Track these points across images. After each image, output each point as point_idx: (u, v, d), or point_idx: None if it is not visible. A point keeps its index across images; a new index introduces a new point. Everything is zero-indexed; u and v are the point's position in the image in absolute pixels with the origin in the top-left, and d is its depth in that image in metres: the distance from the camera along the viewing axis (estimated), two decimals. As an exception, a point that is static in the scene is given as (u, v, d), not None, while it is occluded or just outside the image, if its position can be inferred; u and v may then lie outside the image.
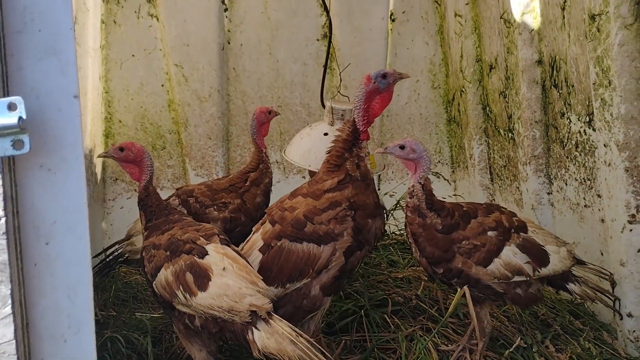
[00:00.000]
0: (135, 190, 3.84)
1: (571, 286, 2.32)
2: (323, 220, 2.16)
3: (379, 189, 3.99)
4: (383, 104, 2.24)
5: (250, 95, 3.87)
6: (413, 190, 2.21)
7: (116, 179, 3.81)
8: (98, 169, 3.78)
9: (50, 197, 0.81)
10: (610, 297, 2.44)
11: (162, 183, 3.85)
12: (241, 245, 2.33)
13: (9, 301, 0.77)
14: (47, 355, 0.82)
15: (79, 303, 0.83)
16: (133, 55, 3.69)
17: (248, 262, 2.04)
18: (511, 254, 2.18)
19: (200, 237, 2.05)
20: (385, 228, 3.54)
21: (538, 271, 2.19)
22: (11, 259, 0.77)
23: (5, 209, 0.76)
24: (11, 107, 0.76)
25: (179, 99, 3.74)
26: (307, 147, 2.82)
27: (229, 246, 2.06)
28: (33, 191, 0.81)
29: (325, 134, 2.85)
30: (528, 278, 2.19)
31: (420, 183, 2.21)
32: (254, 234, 2.31)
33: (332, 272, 2.18)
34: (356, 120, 2.22)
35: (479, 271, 2.15)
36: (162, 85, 3.77)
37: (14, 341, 0.78)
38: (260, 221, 2.34)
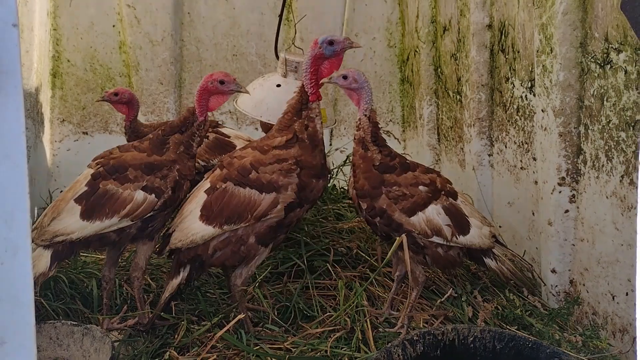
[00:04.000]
0: (84, 132, 3.77)
1: (488, 261, 2.43)
2: (268, 171, 2.24)
3: (330, 144, 4.05)
4: (331, 70, 2.30)
5: (204, 42, 3.82)
6: (360, 123, 2.29)
7: (63, 120, 3.73)
8: (45, 109, 3.69)
9: (-12, 124, 0.83)
10: (526, 283, 2.59)
11: (110, 127, 3.79)
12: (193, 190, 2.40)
13: (-55, 222, 0.79)
14: (-16, 276, 0.85)
15: (16, 228, 0.86)
16: (83, -8, 3.57)
17: (85, 200, 2.23)
18: (435, 213, 2.27)
19: (98, 159, 2.34)
20: (334, 183, 3.62)
21: (456, 237, 2.29)
22: (-53, 181, 0.79)
23: (-59, 132, 0.78)
24: (-53, 31, 0.77)
25: (131, 41, 3.66)
26: (259, 98, 2.83)
27: (95, 180, 2.25)
28: (-30, 117, 0.82)
29: (278, 86, 2.86)
30: (445, 241, 2.28)
31: (366, 115, 2.28)
32: (205, 179, 2.38)
33: (269, 222, 2.26)
34: (304, 83, 2.28)
35: (401, 218, 2.24)
36: (114, 26, 3.67)
37: (-50, 261, 0.81)
38: (212, 169, 2.41)
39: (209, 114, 2.36)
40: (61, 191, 3.64)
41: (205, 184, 2.32)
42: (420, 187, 2.27)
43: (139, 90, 3.73)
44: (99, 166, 2.28)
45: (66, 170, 3.72)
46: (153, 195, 2.24)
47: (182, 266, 2.31)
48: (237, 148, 3.03)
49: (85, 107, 3.74)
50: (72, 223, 2.20)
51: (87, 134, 3.77)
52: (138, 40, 3.66)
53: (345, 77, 2.26)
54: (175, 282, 2.31)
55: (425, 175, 2.32)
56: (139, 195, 2.22)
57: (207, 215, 2.23)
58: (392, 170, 2.27)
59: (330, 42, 2.25)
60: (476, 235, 2.33)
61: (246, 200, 2.22)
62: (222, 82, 2.29)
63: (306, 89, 2.28)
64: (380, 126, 2.33)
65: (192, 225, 2.25)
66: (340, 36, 2.31)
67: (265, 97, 2.86)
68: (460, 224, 2.30)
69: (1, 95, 0.82)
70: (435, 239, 2.27)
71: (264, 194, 2.22)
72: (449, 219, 2.28)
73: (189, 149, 2.33)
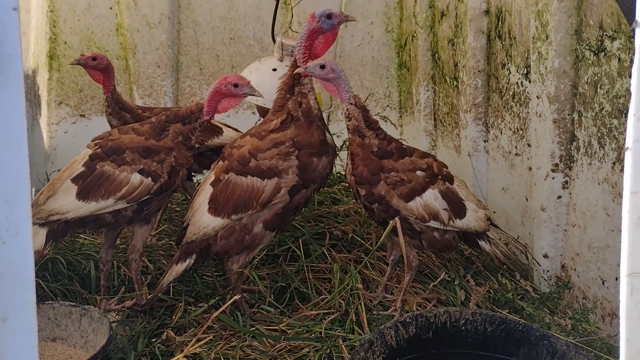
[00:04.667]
0: (81, 115, 3.78)
1: (482, 244, 2.45)
2: (266, 157, 2.27)
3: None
4: (326, 45, 2.28)
5: (202, 25, 3.81)
6: (349, 113, 2.26)
7: (60, 102, 3.73)
8: (42, 92, 3.69)
9: (-11, 106, 0.85)
10: (519, 267, 2.63)
11: (108, 109, 3.79)
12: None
13: (-52, 202, 0.82)
14: (-14, 255, 0.88)
15: (18, 208, 0.88)
16: (80, -26, 3.55)
17: (76, 178, 2.25)
18: (432, 197, 2.28)
19: (97, 139, 2.35)
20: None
21: (453, 221, 2.31)
22: (-50, 162, 0.81)
23: (-57, 114, 0.80)
24: (-51, 14, 0.78)
25: (128, 23, 3.65)
26: (255, 82, 2.80)
27: (92, 160, 2.26)
28: (-28, 99, 0.84)
29: (274, 70, 2.87)
30: (442, 225, 2.30)
31: (352, 104, 2.25)
32: (210, 171, 2.43)
33: (276, 208, 2.29)
34: (297, 58, 2.28)
35: (399, 203, 2.26)
36: (111, 8, 3.66)
37: (-47, 240, 0.83)
38: (216, 160, 2.46)
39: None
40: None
41: (211, 177, 2.36)
42: (418, 172, 2.29)
43: (136, 73, 3.73)
44: (97, 147, 2.30)
45: (63, 152, 3.73)
46: (149, 178, 2.26)
47: (189, 254, 2.34)
48: (223, 131, 3.05)
49: (82, 89, 3.74)
50: (68, 203, 2.22)
51: (84, 116, 3.78)
52: (135, 23, 3.65)
53: (322, 67, 2.18)
54: (181, 267, 2.34)
55: (422, 160, 2.34)
56: (135, 178, 2.24)
57: (215, 207, 2.27)
58: (389, 156, 2.28)
59: (329, 16, 2.23)
60: (472, 219, 2.36)
61: (249, 189, 2.26)
62: (236, 85, 2.29)
63: (298, 64, 2.26)
64: (368, 109, 2.32)
65: (202, 219, 2.29)
66: (334, 10, 2.28)
67: (262, 81, 2.85)
68: (457, 208, 2.33)
69: (1, 79, 0.84)
70: (433, 224, 2.29)
71: (265, 180, 2.25)
72: (446, 203, 2.30)
73: (187, 140, 2.34)
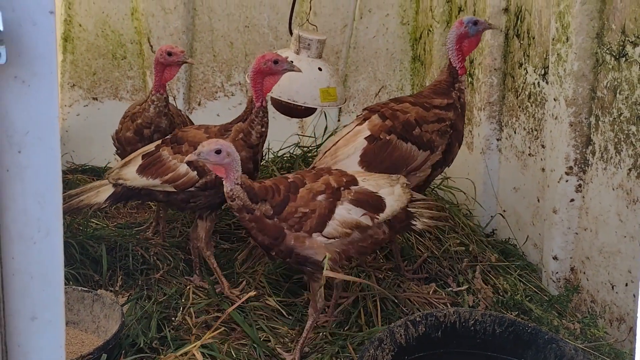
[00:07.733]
0: (93, 98, 3.78)
1: (414, 222, 2.28)
2: (428, 129, 2.45)
3: (338, 121, 4.05)
4: (470, 47, 2.55)
5: (217, 11, 3.78)
6: (233, 194, 2.06)
7: (74, 84, 3.74)
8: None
9: (23, 108, 0.85)
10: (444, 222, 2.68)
11: (120, 94, 3.80)
12: (338, 134, 2.59)
13: (-18, 202, 0.82)
14: (17, 254, 0.89)
15: (49, 209, 0.89)
16: (96, -43, 3.53)
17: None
18: (345, 212, 2.11)
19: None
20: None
21: (377, 218, 2.15)
22: (-16, 163, 0.82)
23: (-21, 115, 0.80)
24: (-12, 17, 0.78)
25: (143, 8, 3.64)
26: (271, 73, 2.82)
27: (162, 144, 2.49)
28: (7, 101, 0.84)
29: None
30: (369, 229, 2.15)
31: (237, 184, 2.06)
32: (355, 126, 2.51)
33: (417, 180, 2.46)
34: (451, 60, 2.51)
35: (313, 244, 2.08)
36: (126, -8, 3.64)
37: (-14, 239, 0.84)
38: (357, 119, 2.60)
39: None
40: (71, 156, 3.69)
41: (363, 131, 2.44)
42: (319, 198, 2.11)
43: (149, 58, 3.72)
44: (173, 135, 2.51)
45: (75, 135, 3.75)
46: (195, 172, 2.39)
47: None
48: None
49: (95, 72, 3.73)
50: (130, 172, 2.45)
51: (97, 99, 3.78)
52: (150, 8, 3.64)
53: (218, 152, 2.01)
54: None
55: (316, 182, 2.15)
56: (182, 167, 2.39)
57: (368, 162, 2.38)
58: (286, 203, 2.09)
59: (475, 22, 2.48)
60: (393, 202, 2.19)
61: (406, 155, 2.41)
62: (275, 62, 2.35)
63: (454, 65, 2.50)
64: (252, 185, 2.09)
65: (350, 169, 2.31)
66: (481, 18, 2.57)
67: (277, 72, 2.84)
68: (374, 204, 2.16)
69: (38, 80, 0.84)
70: (357, 235, 2.14)
71: (421, 150, 2.42)
72: (361, 209, 2.14)
73: (247, 136, 2.41)
